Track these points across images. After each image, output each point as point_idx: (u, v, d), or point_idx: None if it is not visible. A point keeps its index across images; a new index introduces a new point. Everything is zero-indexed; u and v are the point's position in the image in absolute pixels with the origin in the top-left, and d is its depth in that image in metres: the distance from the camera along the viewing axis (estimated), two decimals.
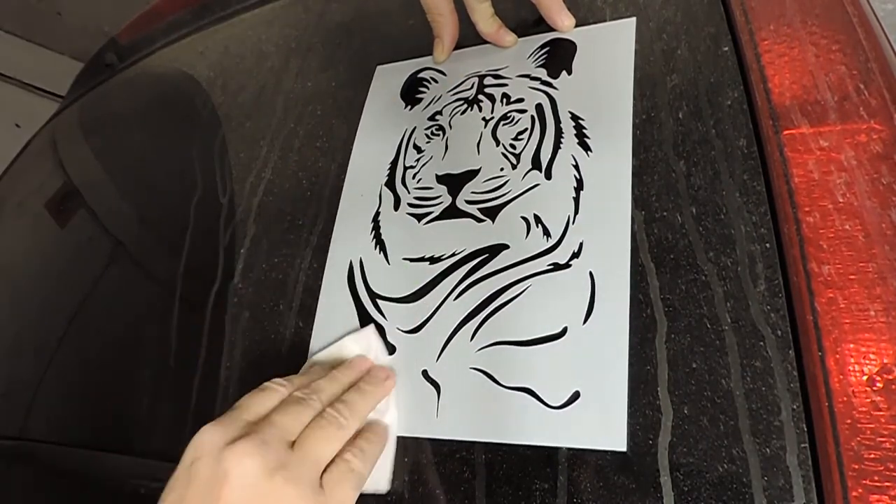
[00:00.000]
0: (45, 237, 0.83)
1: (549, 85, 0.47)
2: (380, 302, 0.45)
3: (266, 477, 0.32)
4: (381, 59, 0.58)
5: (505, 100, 0.48)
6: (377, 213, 0.48)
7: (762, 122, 0.38)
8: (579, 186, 0.42)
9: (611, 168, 0.41)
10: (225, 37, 0.80)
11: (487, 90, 0.49)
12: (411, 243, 0.45)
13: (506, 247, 0.42)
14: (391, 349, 0.43)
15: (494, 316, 0.40)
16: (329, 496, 0.34)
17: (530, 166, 0.44)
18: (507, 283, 0.40)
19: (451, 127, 0.49)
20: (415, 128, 0.51)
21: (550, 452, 0.35)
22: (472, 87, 0.50)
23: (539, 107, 0.46)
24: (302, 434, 0.35)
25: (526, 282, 0.40)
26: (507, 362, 0.38)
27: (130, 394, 0.56)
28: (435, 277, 0.43)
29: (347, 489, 0.36)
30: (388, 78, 0.56)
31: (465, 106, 0.49)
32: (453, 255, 0.43)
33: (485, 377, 0.39)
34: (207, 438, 0.34)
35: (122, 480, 0.52)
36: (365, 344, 0.43)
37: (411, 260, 0.45)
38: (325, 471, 0.35)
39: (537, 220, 0.42)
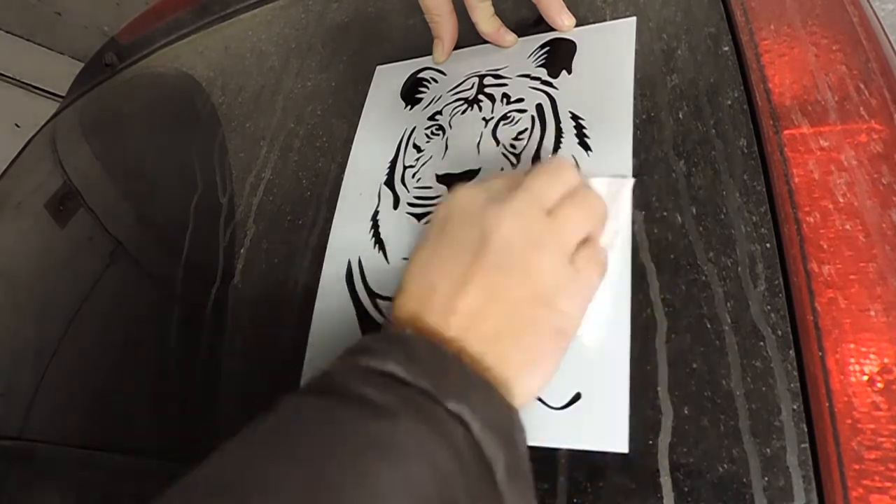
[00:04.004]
0: (45, 237, 0.83)
1: (550, 85, 0.47)
2: (379, 301, 0.45)
3: (524, 243, 0.31)
4: (381, 59, 0.58)
5: (505, 100, 0.48)
6: (376, 212, 0.48)
7: (762, 122, 0.38)
8: None
9: (611, 168, 0.41)
10: (225, 37, 0.80)
11: (487, 90, 0.49)
12: (411, 243, 0.45)
13: None
14: None
15: None
16: (579, 274, 0.33)
17: (530, 166, 0.44)
18: None
19: (451, 127, 0.49)
20: (414, 127, 0.51)
21: (550, 452, 0.35)
22: (472, 86, 0.50)
23: (539, 107, 0.46)
24: (559, 206, 0.33)
25: None
26: None
27: (130, 394, 0.56)
28: None
29: (595, 274, 0.34)
30: (388, 78, 0.56)
31: (466, 106, 0.49)
32: None
33: None
34: (466, 197, 0.33)
35: (122, 480, 0.52)
36: (615, 190, 0.39)
37: None
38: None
39: None
